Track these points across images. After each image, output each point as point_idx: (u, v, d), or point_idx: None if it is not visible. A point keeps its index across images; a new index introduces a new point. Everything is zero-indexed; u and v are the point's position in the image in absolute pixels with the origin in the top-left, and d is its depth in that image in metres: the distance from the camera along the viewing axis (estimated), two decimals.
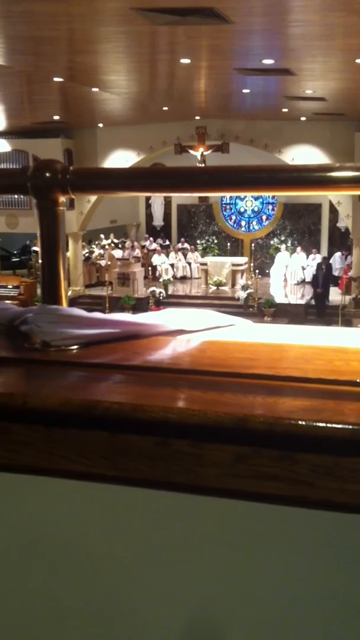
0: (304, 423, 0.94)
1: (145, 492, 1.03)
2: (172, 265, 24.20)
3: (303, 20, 8.90)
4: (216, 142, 20.60)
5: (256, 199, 25.80)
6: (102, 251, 24.74)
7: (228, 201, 26.34)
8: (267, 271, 23.80)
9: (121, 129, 21.67)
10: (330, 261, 23.71)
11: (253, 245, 25.53)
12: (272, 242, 25.66)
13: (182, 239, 26.00)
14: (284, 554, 1.01)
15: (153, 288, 21.75)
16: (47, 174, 1.37)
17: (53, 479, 1.07)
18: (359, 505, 0.94)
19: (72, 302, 20.80)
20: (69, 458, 1.05)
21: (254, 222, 26.36)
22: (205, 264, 23.06)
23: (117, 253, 24.21)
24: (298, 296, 21.95)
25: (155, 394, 1.09)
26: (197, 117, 20.17)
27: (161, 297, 21.43)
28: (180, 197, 26.29)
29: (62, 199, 1.39)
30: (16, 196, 20.28)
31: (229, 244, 25.65)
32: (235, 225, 26.54)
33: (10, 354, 1.31)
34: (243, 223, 26.49)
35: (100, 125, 21.83)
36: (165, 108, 18.23)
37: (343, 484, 0.93)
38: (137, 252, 24.35)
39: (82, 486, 1.07)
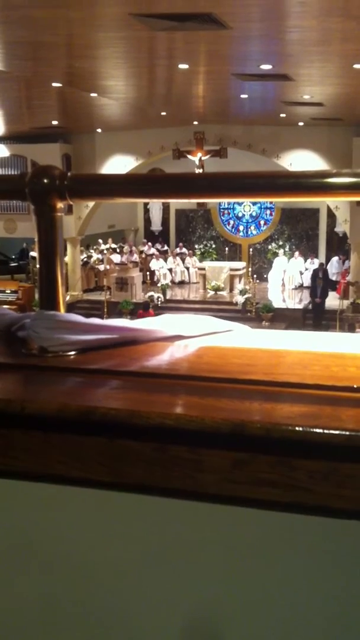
0: (301, 429, 0.94)
1: (142, 498, 1.03)
2: (170, 270, 24.21)
3: (301, 25, 8.94)
4: (214, 147, 20.63)
5: (254, 203, 25.83)
6: (100, 256, 24.75)
7: (226, 206, 26.37)
8: (265, 276, 23.82)
9: (119, 134, 21.71)
10: (327, 266, 23.75)
11: (251, 250, 25.55)
12: (270, 246, 25.69)
13: (180, 244, 26.02)
14: (282, 559, 1.01)
15: (151, 293, 21.76)
16: (45, 180, 1.37)
17: (51, 485, 1.07)
18: (357, 511, 0.94)
19: (71, 306, 20.80)
20: (66, 464, 1.05)
21: (252, 227, 26.39)
22: (204, 269, 23.08)
23: (116, 258, 24.22)
24: (296, 301, 21.97)
25: (153, 400, 1.09)
26: (195, 122, 20.21)
27: (159, 302, 21.43)
28: (178, 202, 26.32)
29: (60, 204, 1.39)
30: (14, 201, 20.24)
31: (227, 248, 25.67)
32: (233, 230, 26.57)
33: (8, 359, 1.31)
34: (241, 228, 26.52)
35: (99, 130, 21.86)
36: (163, 113, 18.27)
37: (340, 489, 0.94)
38: (135, 256, 24.37)
39: (79, 492, 1.06)
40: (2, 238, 23.66)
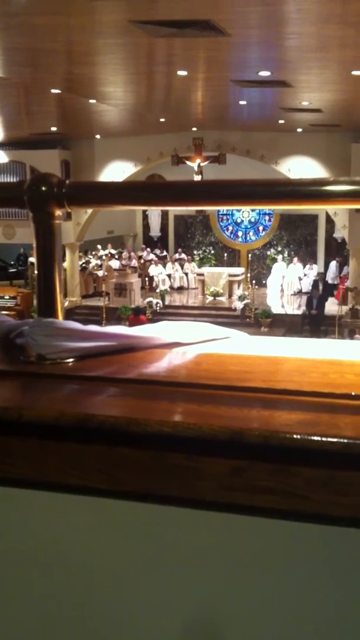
0: (299, 436, 0.94)
1: (140, 506, 1.03)
2: (169, 276, 24.23)
3: (299, 32, 8.97)
4: (213, 153, 20.67)
5: (253, 210, 25.88)
6: (99, 262, 24.77)
7: (225, 212, 26.42)
8: (263, 282, 23.84)
9: (118, 140, 21.75)
10: (326, 270, 23.80)
11: (250, 255, 25.58)
12: (268, 252, 25.72)
13: (179, 250, 26.05)
14: (280, 567, 1.01)
15: (150, 298, 21.76)
16: (43, 188, 1.37)
17: (48, 493, 1.07)
18: (355, 519, 0.94)
19: (69, 312, 20.81)
20: (64, 471, 1.05)
21: (251, 233, 26.43)
22: (202, 275, 23.10)
23: (114, 263, 24.24)
24: (295, 306, 21.97)
25: (151, 407, 1.09)
26: (194, 129, 20.26)
27: (158, 308, 21.44)
28: (177, 208, 26.36)
29: (58, 212, 1.39)
30: None
31: (225, 254, 25.69)
32: (232, 236, 26.61)
33: (6, 367, 1.31)
34: (240, 234, 26.56)
35: (98, 136, 21.91)
36: (162, 119, 18.31)
37: (338, 497, 0.93)
38: (134, 262, 24.38)
39: (77, 499, 1.06)
40: (1, 244, 23.67)
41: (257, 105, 16.09)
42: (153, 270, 24.08)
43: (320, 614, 1.00)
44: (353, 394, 1.09)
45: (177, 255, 25.68)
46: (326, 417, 1.01)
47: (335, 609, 0.99)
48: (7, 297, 21.07)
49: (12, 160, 22.73)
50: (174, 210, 26.38)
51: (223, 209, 24.89)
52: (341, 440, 0.93)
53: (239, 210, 26.23)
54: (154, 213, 26.96)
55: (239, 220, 26.50)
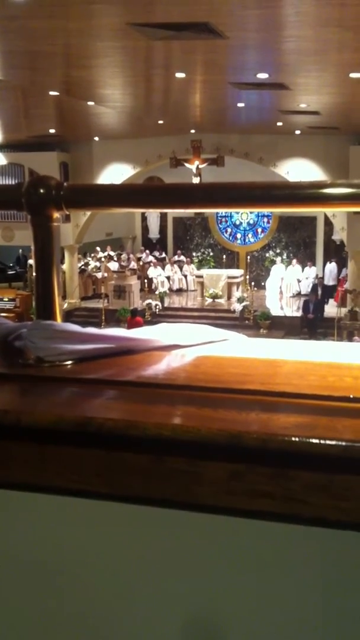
0: (297, 440, 0.94)
1: (139, 509, 1.03)
2: (168, 278, 24.24)
3: (297, 35, 8.99)
4: (211, 155, 20.70)
5: (251, 212, 25.90)
6: (98, 264, 24.77)
7: (224, 214, 26.45)
8: (262, 283, 23.87)
9: (117, 143, 21.77)
10: (325, 271, 23.83)
11: (249, 257, 25.60)
12: (267, 254, 25.75)
13: (179, 252, 26.06)
14: (279, 571, 1.01)
15: (149, 300, 21.77)
16: (41, 190, 1.37)
17: (47, 496, 1.07)
18: (353, 523, 0.94)
19: (68, 314, 20.80)
20: (63, 475, 1.05)
21: (250, 235, 26.45)
22: (201, 277, 23.11)
23: (113, 265, 24.24)
24: (294, 308, 21.98)
25: (149, 410, 1.09)
26: (193, 131, 20.29)
27: (157, 310, 21.44)
28: (175, 210, 26.38)
29: (57, 214, 1.39)
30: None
31: (224, 256, 25.71)
32: (230, 238, 26.63)
33: (4, 370, 1.30)
34: (239, 236, 26.58)
35: (96, 138, 21.92)
36: (160, 122, 18.33)
37: (337, 501, 0.93)
38: (133, 264, 24.39)
39: (76, 503, 1.06)
40: (0, 246, 23.67)
41: (255, 108, 16.11)
42: (152, 272, 24.09)
43: (319, 618, 0.99)
44: (352, 396, 1.09)
45: (176, 257, 25.70)
46: (325, 420, 1.01)
47: (334, 612, 0.99)
48: (6, 300, 21.08)
49: (11, 162, 22.75)
50: (172, 212, 26.41)
51: (221, 211, 24.91)
52: (340, 443, 0.93)
53: (237, 213, 26.26)
54: (153, 215, 26.98)
55: (237, 223, 26.52)
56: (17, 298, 20.97)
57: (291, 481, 0.95)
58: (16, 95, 13.99)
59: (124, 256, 25.13)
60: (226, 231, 26.70)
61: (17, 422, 1.05)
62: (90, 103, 14.84)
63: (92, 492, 1.04)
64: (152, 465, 1.00)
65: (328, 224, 23.65)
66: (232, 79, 12.32)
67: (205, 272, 23.60)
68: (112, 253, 25.49)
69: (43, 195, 1.37)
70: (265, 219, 26.07)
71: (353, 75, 11.20)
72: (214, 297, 22.13)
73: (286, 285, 23.12)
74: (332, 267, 23.80)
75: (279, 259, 24.71)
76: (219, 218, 26.55)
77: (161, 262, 25.20)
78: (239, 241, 26.55)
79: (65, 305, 21.48)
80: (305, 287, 23.55)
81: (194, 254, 26.39)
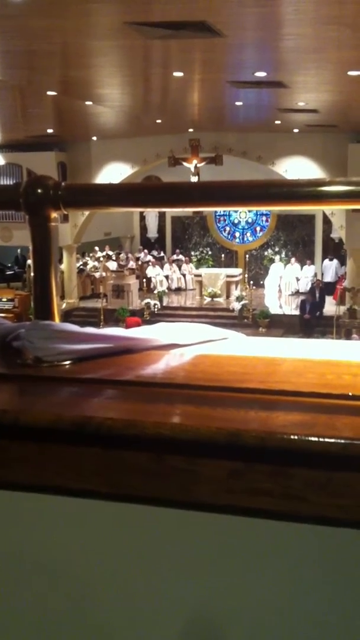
0: (296, 438, 0.94)
1: (139, 509, 1.03)
2: (166, 277, 24.23)
3: (295, 33, 8.98)
4: (210, 154, 20.69)
5: (250, 210, 25.89)
6: (96, 263, 24.76)
7: (222, 213, 26.45)
8: (261, 282, 23.86)
9: (115, 142, 21.75)
10: (323, 268, 23.86)
11: (247, 256, 25.60)
12: (266, 253, 25.74)
13: (177, 251, 26.06)
14: (279, 568, 1.01)
15: (148, 300, 21.76)
16: (39, 190, 1.37)
17: (46, 496, 1.07)
18: (353, 520, 0.94)
19: (67, 314, 20.80)
20: (62, 474, 1.05)
21: (248, 234, 26.45)
22: (200, 276, 23.11)
23: (112, 265, 24.23)
24: (293, 307, 21.98)
25: (148, 410, 1.09)
26: (191, 130, 20.28)
27: (156, 309, 21.43)
28: (174, 209, 26.40)
29: (54, 214, 1.39)
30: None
31: (223, 255, 25.71)
32: (229, 237, 26.63)
33: (3, 370, 1.31)
34: (237, 234, 26.58)
35: (94, 138, 21.91)
36: (158, 121, 18.32)
37: (336, 499, 0.93)
38: (132, 264, 24.39)
39: (75, 502, 1.06)
40: None
41: (254, 106, 16.11)
42: (151, 271, 24.08)
43: (319, 615, 1.00)
44: (350, 394, 1.09)
45: (174, 257, 25.69)
46: (324, 418, 1.01)
47: (334, 610, 0.99)
48: (4, 300, 21.06)
49: (9, 162, 22.73)
50: (171, 211, 26.42)
51: (220, 210, 24.92)
52: (339, 441, 0.93)
53: (236, 211, 26.25)
54: (151, 214, 26.98)
55: (236, 221, 26.52)
56: (15, 298, 20.96)
57: (290, 479, 0.95)
58: (14, 95, 13.98)
59: (122, 256, 25.12)
60: (225, 230, 26.70)
61: (16, 422, 1.05)
62: (88, 103, 14.83)
63: (92, 492, 1.04)
64: (152, 464, 1.00)
65: (327, 222, 23.65)
66: (230, 78, 12.31)
67: (203, 271, 23.60)
68: (110, 253, 25.48)
69: (41, 195, 1.37)
70: (264, 218, 26.07)
71: (351, 73, 11.19)
72: (213, 296, 22.12)
73: (285, 283, 23.11)
74: (330, 264, 23.83)
75: (277, 257, 24.71)
76: (218, 217, 26.54)
77: (160, 262, 25.19)
78: (237, 240, 26.54)
79: (64, 305, 21.48)
80: (304, 286, 23.54)
81: (192, 253, 26.38)
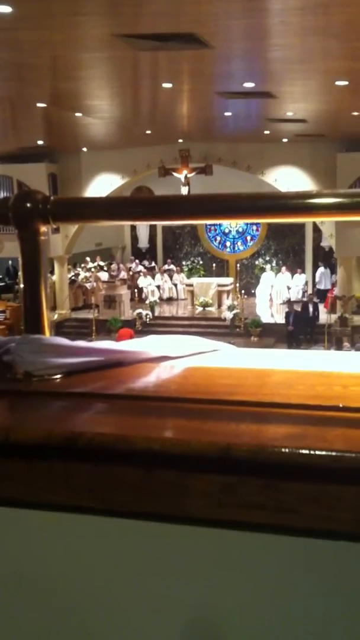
0: (287, 450, 0.94)
1: (130, 524, 1.03)
2: (158, 287, 24.25)
3: (282, 44, 9.06)
4: (199, 164, 20.77)
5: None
6: (88, 274, 24.75)
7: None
8: (252, 291, 23.92)
9: (105, 153, 21.81)
10: (316, 276, 23.96)
11: (238, 265, 25.66)
12: (257, 262, 25.82)
13: (168, 261, 26.09)
14: (272, 582, 1.00)
15: (139, 310, 21.76)
16: (28, 204, 1.36)
17: (37, 512, 1.06)
18: (345, 533, 0.94)
19: (59, 325, 20.76)
20: (53, 491, 1.04)
21: (239, 243, 26.53)
22: (191, 285, 23.15)
23: (103, 275, 24.23)
24: (284, 315, 22.03)
25: (139, 424, 1.08)
26: (180, 140, 20.36)
27: (147, 319, 21.43)
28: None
29: (44, 228, 1.39)
30: None
31: (214, 264, 25.77)
32: (220, 246, 26.70)
33: None
34: (228, 244, 26.65)
35: (84, 149, 21.96)
36: (148, 132, 18.39)
37: (329, 511, 0.93)
38: (123, 274, 24.39)
39: (67, 518, 1.05)
40: None
41: (243, 117, 16.20)
42: (142, 281, 24.10)
43: (313, 628, 0.99)
44: (341, 405, 1.09)
45: (166, 267, 25.73)
46: (314, 430, 1.01)
47: (328, 622, 0.99)
48: None
49: None
50: (161, 222, 26.42)
51: (210, 222, 24.99)
52: (330, 453, 0.93)
53: (227, 222, 26.34)
54: (142, 225, 27.03)
55: (227, 231, 26.60)
56: (7, 310, 20.90)
57: (282, 492, 0.95)
58: (4, 107, 14.00)
59: (113, 266, 25.12)
60: (215, 239, 26.77)
61: (6, 439, 1.04)
62: (78, 114, 14.87)
63: (83, 507, 1.03)
64: (143, 479, 1.00)
65: (317, 230, 23.77)
66: (219, 89, 12.39)
67: (195, 280, 23.64)
68: (101, 263, 25.49)
69: (30, 209, 1.36)
70: (254, 227, 26.16)
71: (338, 83, 11.28)
72: (205, 305, 22.15)
73: (276, 292, 23.18)
74: (325, 271, 23.94)
75: (268, 266, 24.78)
76: (208, 227, 26.61)
77: (151, 272, 25.21)
78: (228, 249, 26.61)
79: (56, 316, 21.44)
80: (295, 294, 23.63)
81: (183, 262, 26.43)
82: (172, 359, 1.43)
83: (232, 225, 26.40)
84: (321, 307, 21.25)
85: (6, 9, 6.99)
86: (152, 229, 27.30)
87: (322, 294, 22.67)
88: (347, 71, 10.45)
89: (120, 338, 16.59)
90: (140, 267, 25.57)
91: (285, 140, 19.85)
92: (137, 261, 26.18)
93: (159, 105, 14.98)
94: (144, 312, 21.57)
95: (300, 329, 19.93)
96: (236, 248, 26.56)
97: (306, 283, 24.15)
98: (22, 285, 1.45)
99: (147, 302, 22.74)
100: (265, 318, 21.41)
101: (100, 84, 12.21)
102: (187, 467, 0.98)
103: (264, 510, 0.95)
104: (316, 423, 1.04)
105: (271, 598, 1.00)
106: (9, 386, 1.28)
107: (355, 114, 14.56)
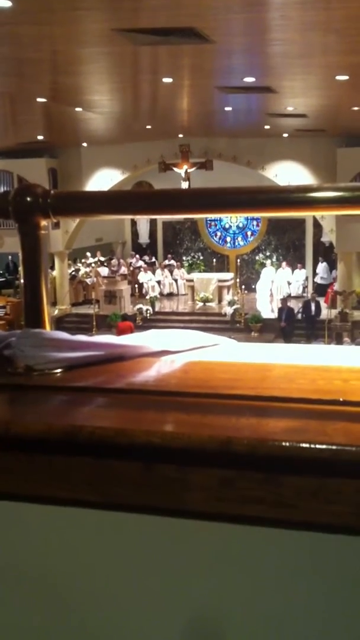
0: (287, 444, 0.94)
1: (130, 517, 1.03)
2: (158, 282, 24.24)
3: (283, 39, 9.03)
4: (200, 159, 20.74)
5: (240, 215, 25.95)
6: (88, 269, 24.74)
7: (213, 218, 26.49)
8: (253, 286, 23.90)
9: (105, 148, 21.77)
10: (317, 271, 23.95)
11: (239, 261, 25.65)
12: (257, 257, 25.80)
13: (169, 256, 26.08)
14: (271, 576, 1.00)
15: (140, 305, 21.75)
16: (28, 199, 1.36)
17: (36, 506, 1.07)
18: (344, 526, 0.94)
19: (59, 321, 20.76)
20: (52, 484, 1.04)
21: (239, 238, 26.50)
22: (192, 281, 23.13)
23: (104, 271, 24.22)
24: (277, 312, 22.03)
25: (139, 418, 1.08)
26: (181, 135, 20.32)
27: (148, 314, 21.43)
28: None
29: (44, 222, 1.39)
30: None
31: (214, 260, 25.75)
32: (220, 242, 26.67)
33: None
34: (228, 239, 26.63)
35: (85, 144, 21.92)
36: (148, 127, 18.36)
37: (328, 505, 0.93)
38: (124, 269, 24.38)
39: (66, 512, 1.06)
40: None
41: (243, 111, 16.17)
42: (142, 277, 24.08)
43: (313, 622, 0.99)
44: (341, 400, 1.09)
45: (166, 262, 25.71)
46: (315, 424, 1.01)
47: (328, 616, 0.99)
48: None
49: (0, 169, 22.70)
50: (162, 217, 26.42)
51: (210, 216, 24.92)
52: (330, 447, 0.93)
53: (227, 216, 26.31)
54: (143, 220, 27.00)
55: (227, 226, 26.57)
56: (7, 305, 20.89)
57: (282, 486, 0.95)
58: (4, 102, 13.97)
59: (114, 261, 25.11)
60: (216, 235, 26.74)
61: (6, 432, 1.04)
62: (78, 109, 14.85)
63: (83, 501, 1.03)
64: (142, 472, 1.00)
65: (317, 226, 23.74)
66: (219, 83, 12.36)
67: (195, 276, 23.62)
68: (102, 258, 25.47)
69: (30, 203, 1.36)
70: (255, 222, 26.13)
71: (339, 77, 11.26)
72: (205, 300, 22.14)
73: (276, 287, 23.16)
74: (322, 266, 23.93)
75: (268, 261, 24.76)
76: (209, 222, 26.59)
77: (151, 267, 25.19)
78: (228, 244, 26.59)
79: (56, 312, 21.44)
80: (295, 290, 23.61)
81: (184, 258, 26.41)
82: (172, 353, 1.43)
83: (233, 220, 26.37)
84: (321, 302, 21.25)
85: (6, 3, 6.98)
86: (153, 224, 27.27)
87: (322, 289, 22.65)
88: (347, 66, 10.43)
89: (120, 331, 16.59)
90: (141, 263, 25.55)
91: (285, 135, 19.82)
92: (137, 256, 26.16)
93: (159, 100, 14.95)
94: (144, 308, 21.57)
95: (293, 326, 19.84)
96: (236, 243, 26.54)
97: (306, 278, 24.15)
98: (22, 280, 1.45)
99: (147, 297, 22.74)
100: (266, 313, 21.40)
101: (101, 79, 12.19)
102: (187, 461, 0.98)
103: (264, 504, 0.95)
104: (316, 417, 1.04)
105: (271, 591, 1.01)
106: (9, 380, 1.28)
107: (356, 108, 14.53)
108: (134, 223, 27.45)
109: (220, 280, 22.65)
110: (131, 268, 25.12)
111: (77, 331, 1.41)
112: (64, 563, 1.09)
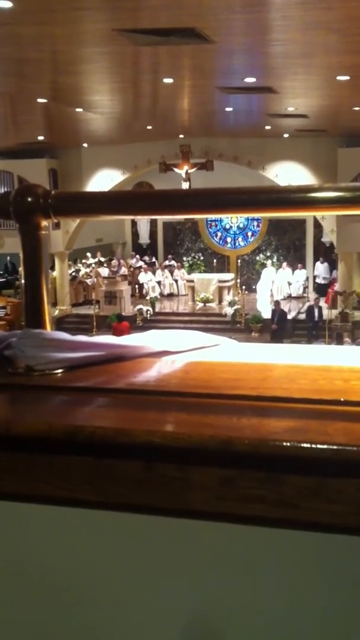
0: (288, 444, 0.94)
1: (131, 517, 1.03)
2: (158, 283, 24.24)
3: (284, 39, 9.03)
4: (200, 160, 20.73)
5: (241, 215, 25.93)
6: (88, 270, 24.74)
7: (213, 218, 26.48)
8: (253, 287, 23.90)
9: (106, 149, 21.77)
10: (316, 272, 23.94)
11: (239, 261, 25.64)
12: (257, 258, 25.79)
13: (169, 256, 26.07)
14: (272, 576, 1.00)
15: (140, 306, 21.75)
16: (29, 199, 1.37)
17: (37, 506, 1.06)
18: (345, 526, 0.94)
19: (59, 321, 20.76)
20: (53, 484, 1.04)
21: (240, 239, 26.50)
22: (192, 281, 23.13)
23: (104, 271, 24.22)
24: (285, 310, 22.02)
25: (140, 418, 1.08)
26: (181, 136, 20.32)
27: (148, 315, 21.43)
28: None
29: (45, 223, 1.39)
30: None
31: (215, 260, 25.74)
32: (221, 242, 26.67)
33: None
34: (229, 239, 26.62)
35: (85, 144, 21.92)
36: (149, 127, 18.36)
37: (330, 505, 0.93)
38: (124, 270, 24.38)
39: (67, 512, 1.06)
40: None
41: (244, 112, 16.17)
42: (143, 277, 24.08)
43: (315, 622, 0.99)
44: (342, 399, 1.09)
45: (166, 262, 25.71)
46: (315, 424, 1.01)
47: (329, 616, 0.99)
48: None
49: (0, 170, 22.70)
50: (162, 217, 26.42)
51: (210, 217, 24.94)
52: (331, 447, 0.93)
53: (227, 217, 26.32)
54: (143, 220, 27.00)
55: (227, 227, 26.57)
56: (7, 305, 20.90)
57: (283, 486, 0.95)
58: (4, 103, 13.98)
59: (114, 262, 25.11)
60: (216, 235, 26.74)
61: (7, 432, 1.04)
62: (79, 109, 14.85)
63: (83, 501, 1.03)
64: (143, 472, 1.00)
65: (317, 226, 23.74)
66: (220, 84, 12.36)
67: (196, 276, 23.62)
68: (102, 259, 25.48)
69: (31, 203, 1.36)
70: (255, 223, 26.13)
71: (340, 78, 11.26)
72: (205, 301, 22.14)
73: (277, 288, 23.15)
74: (320, 266, 23.94)
75: (269, 262, 24.76)
76: (209, 222, 26.59)
77: (152, 267, 25.19)
78: (229, 245, 26.59)
79: (57, 312, 21.44)
80: (296, 290, 23.61)
81: (184, 258, 26.40)
82: (173, 353, 1.43)
83: (233, 221, 26.37)
84: (322, 302, 21.24)
85: (6, 3, 6.98)
86: (153, 224, 27.27)
87: (322, 289, 22.64)
88: (348, 66, 10.43)
89: (116, 332, 16.54)
90: (141, 263, 25.55)
91: (286, 135, 19.82)
92: (137, 257, 26.16)
93: (159, 101, 14.95)
94: (144, 308, 21.57)
95: (284, 329, 19.71)
96: (237, 244, 26.54)
97: (307, 279, 24.15)
98: (23, 281, 1.45)
99: (147, 298, 22.74)
100: (266, 314, 21.37)
101: (101, 79, 12.19)
102: (188, 460, 0.98)
103: (265, 504, 0.95)
104: (317, 417, 1.04)
105: (271, 591, 1.00)
106: (10, 380, 1.28)
107: (357, 109, 14.53)
108: (134, 223, 27.45)
109: (220, 281, 22.65)
110: (131, 268, 25.12)
111: (77, 332, 1.41)
112: (65, 563, 1.09)
